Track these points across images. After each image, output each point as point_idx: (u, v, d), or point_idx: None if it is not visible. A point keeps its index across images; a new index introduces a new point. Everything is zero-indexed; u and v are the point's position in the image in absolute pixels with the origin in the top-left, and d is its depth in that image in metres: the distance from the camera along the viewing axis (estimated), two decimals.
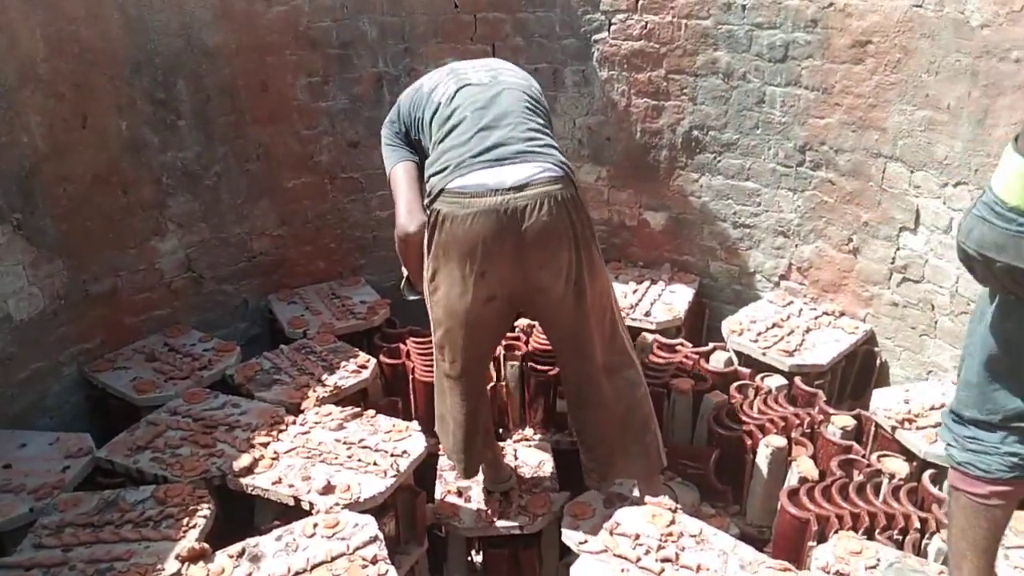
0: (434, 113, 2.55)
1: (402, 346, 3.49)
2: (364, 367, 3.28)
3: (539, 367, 3.18)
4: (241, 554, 2.25)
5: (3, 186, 2.90)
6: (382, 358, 3.43)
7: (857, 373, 3.49)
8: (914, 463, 2.73)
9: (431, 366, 3.24)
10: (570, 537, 2.52)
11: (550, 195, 2.22)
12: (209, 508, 2.48)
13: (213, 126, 3.55)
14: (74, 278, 3.25)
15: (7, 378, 3.02)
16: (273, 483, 2.56)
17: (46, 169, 3.06)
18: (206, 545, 2.29)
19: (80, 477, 2.72)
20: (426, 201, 2.40)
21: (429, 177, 2.40)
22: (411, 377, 3.30)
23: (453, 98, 2.50)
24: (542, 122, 2.48)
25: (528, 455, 3.07)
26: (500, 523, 2.77)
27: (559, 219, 2.22)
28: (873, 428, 2.94)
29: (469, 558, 3.01)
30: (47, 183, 3.08)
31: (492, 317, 2.43)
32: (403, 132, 2.76)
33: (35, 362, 3.14)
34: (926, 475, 2.62)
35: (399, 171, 2.69)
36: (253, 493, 2.59)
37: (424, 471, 2.90)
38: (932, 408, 2.88)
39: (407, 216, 2.57)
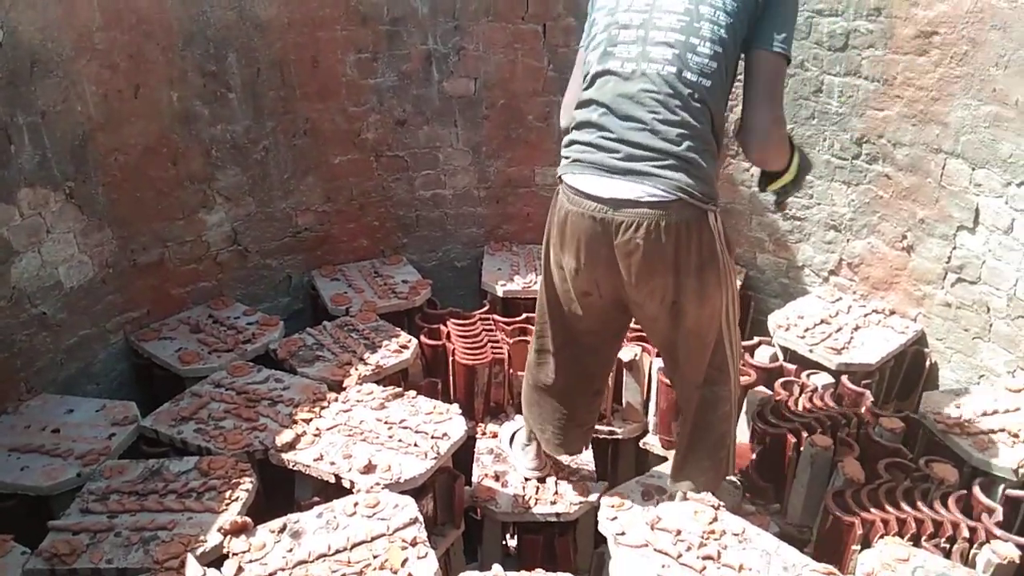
0: (588, 43, 2.27)
1: (442, 327, 3.49)
2: (405, 347, 3.28)
3: None
4: (282, 529, 2.26)
5: (57, 154, 2.94)
6: (423, 339, 3.42)
7: (905, 374, 3.41)
8: (964, 469, 2.66)
9: (471, 349, 3.25)
10: (606, 528, 2.50)
11: (653, 218, 2.08)
12: (251, 482, 2.50)
13: (262, 100, 3.56)
14: (123, 247, 3.29)
15: (56, 343, 3.07)
16: (315, 460, 2.58)
17: (99, 138, 3.09)
18: (248, 519, 2.31)
19: (125, 445, 2.76)
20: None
21: (562, 147, 2.30)
22: (451, 359, 3.30)
23: (594, 82, 2.20)
24: (687, 115, 2.07)
25: None
26: (536, 509, 2.77)
27: (656, 243, 2.10)
28: (922, 432, 2.88)
29: (504, 542, 3.02)
30: (99, 152, 3.11)
31: (591, 310, 2.41)
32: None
33: (83, 329, 3.19)
34: (976, 483, 2.56)
35: (577, 60, 2.44)
36: (295, 469, 2.61)
37: (462, 454, 2.90)
38: (984, 414, 2.81)
39: (562, 113, 2.45)
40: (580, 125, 2.22)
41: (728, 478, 2.70)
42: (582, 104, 2.22)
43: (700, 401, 2.48)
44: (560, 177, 2.26)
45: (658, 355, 2.99)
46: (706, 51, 2.06)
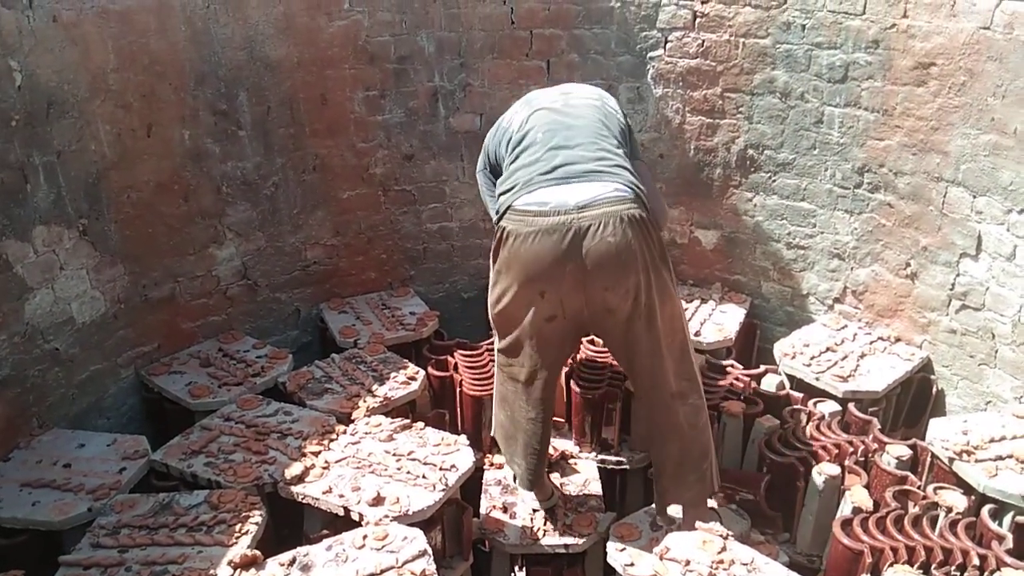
0: (509, 140, 2.59)
1: (450, 359, 3.51)
2: (413, 379, 3.30)
3: (585, 385, 3.17)
4: (292, 562, 2.27)
5: (72, 192, 3.00)
6: (430, 370, 3.44)
7: (912, 401, 3.41)
8: (972, 497, 2.65)
9: (479, 380, 3.26)
10: (616, 559, 2.50)
11: (616, 215, 2.21)
12: (261, 515, 2.51)
13: (272, 137, 3.62)
14: (134, 283, 3.34)
15: (68, 378, 3.11)
16: (324, 492, 2.59)
17: (112, 177, 3.15)
18: (258, 552, 2.33)
19: (136, 479, 2.78)
20: (495, 218, 2.42)
21: (499, 195, 2.43)
22: (459, 390, 3.31)
23: (526, 121, 2.55)
24: (615, 142, 2.48)
25: (574, 474, 3.06)
26: (545, 541, 2.77)
27: (625, 239, 2.20)
28: (929, 459, 2.87)
29: (512, 574, 3.00)
30: (113, 190, 3.17)
31: (554, 335, 2.45)
32: (494, 172, 2.80)
33: (95, 364, 3.22)
34: (985, 510, 2.55)
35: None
36: (304, 502, 2.62)
37: (470, 485, 2.91)
38: (992, 440, 2.80)
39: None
40: (522, 167, 2.44)
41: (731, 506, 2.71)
42: (520, 165, 2.45)
43: (681, 418, 2.49)
44: (502, 218, 2.35)
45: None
46: None
